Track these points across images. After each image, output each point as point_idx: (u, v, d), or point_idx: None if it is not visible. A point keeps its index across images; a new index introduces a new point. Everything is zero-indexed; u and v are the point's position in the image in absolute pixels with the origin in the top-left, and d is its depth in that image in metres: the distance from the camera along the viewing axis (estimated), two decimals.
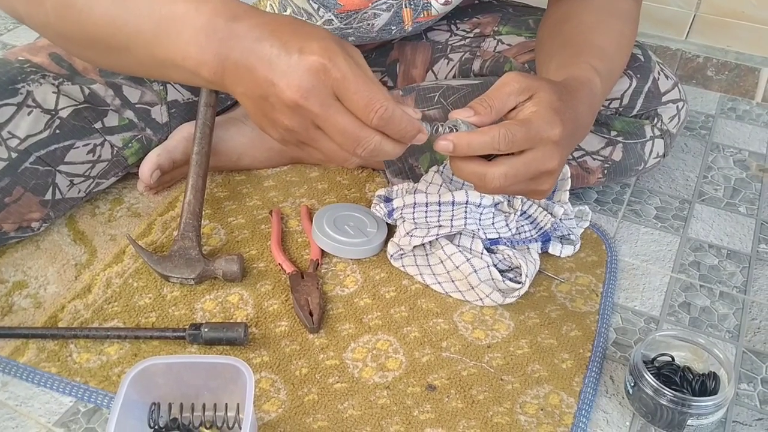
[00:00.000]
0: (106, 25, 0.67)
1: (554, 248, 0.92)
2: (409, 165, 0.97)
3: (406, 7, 0.91)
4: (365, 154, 0.63)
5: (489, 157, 0.69)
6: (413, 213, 0.88)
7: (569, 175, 0.91)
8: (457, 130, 0.67)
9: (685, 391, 0.72)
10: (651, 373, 0.72)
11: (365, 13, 0.90)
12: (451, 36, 1.05)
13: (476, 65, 1.02)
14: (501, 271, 0.86)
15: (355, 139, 0.62)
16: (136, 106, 0.96)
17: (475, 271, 0.83)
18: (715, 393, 0.72)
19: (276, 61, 0.60)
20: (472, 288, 0.84)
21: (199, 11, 0.64)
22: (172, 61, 0.65)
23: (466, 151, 0.67)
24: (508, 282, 0.83)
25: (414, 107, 0.65)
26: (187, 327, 0.79)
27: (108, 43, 0.68)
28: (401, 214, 0.89)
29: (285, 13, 0.91)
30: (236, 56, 0.62)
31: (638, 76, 0.93)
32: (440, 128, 0.67)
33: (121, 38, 0.67)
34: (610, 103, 0.93)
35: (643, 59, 0.94)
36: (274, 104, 0.61)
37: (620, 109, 0.94)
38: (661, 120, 0.95)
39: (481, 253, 0.85)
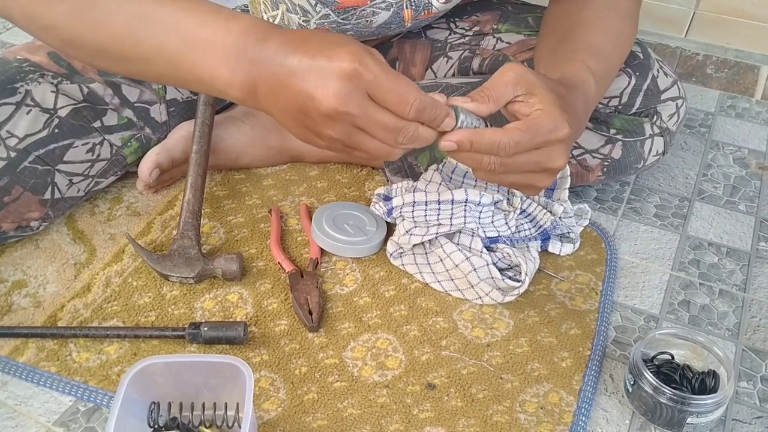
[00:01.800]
0: (124, 36, 0.66)
1: (554, 246, 0.92)
2: (409, 163, 0.97)
3: (407, 8, 0.91)
4: (406, 141, 0.65)
5: None
6: (413, 211, 0.88)
7: (569, 173, 0.91)
8: (456, 117, 0.68)
9: (684, 389, 0.72)
10: (650, 372, 0.72)
11: (363, 10, 0.90)
12: (450, 34, 1.05)
13: (475, 63, 1.02)
14: (500, 270, 0.86)
15: (396, 131, 0.64)
16: (135, 104, 0.96)
17: (475, 270, 0.83)
18: (715, 391, 0.72)
19: (308, 73, 0.61)
20: (472, 286, 0.84)
21: (230, 30, 0.64)
22: (199, 77, 0.65)
23: (468, 150, 0.68)
24: (507, 280, 0.83)
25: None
26: (186, 326, 0.79)
27: (123, 53, 0.67)
28: (401, 212, 0.89)
29: (277, 11, 0.91)
30: (267, 75, 0.62)
31: (637, 73, 0.93)
32: None
33: (140, 51, 0.66)
34: (609, 101, 0.93)
35: (642, 57, 0.94)
36: (315, 118, 0.62)
37: (619, 107, 0.93)
38: (661, 118, 0.95)
39: (481, 252, 0.85)
